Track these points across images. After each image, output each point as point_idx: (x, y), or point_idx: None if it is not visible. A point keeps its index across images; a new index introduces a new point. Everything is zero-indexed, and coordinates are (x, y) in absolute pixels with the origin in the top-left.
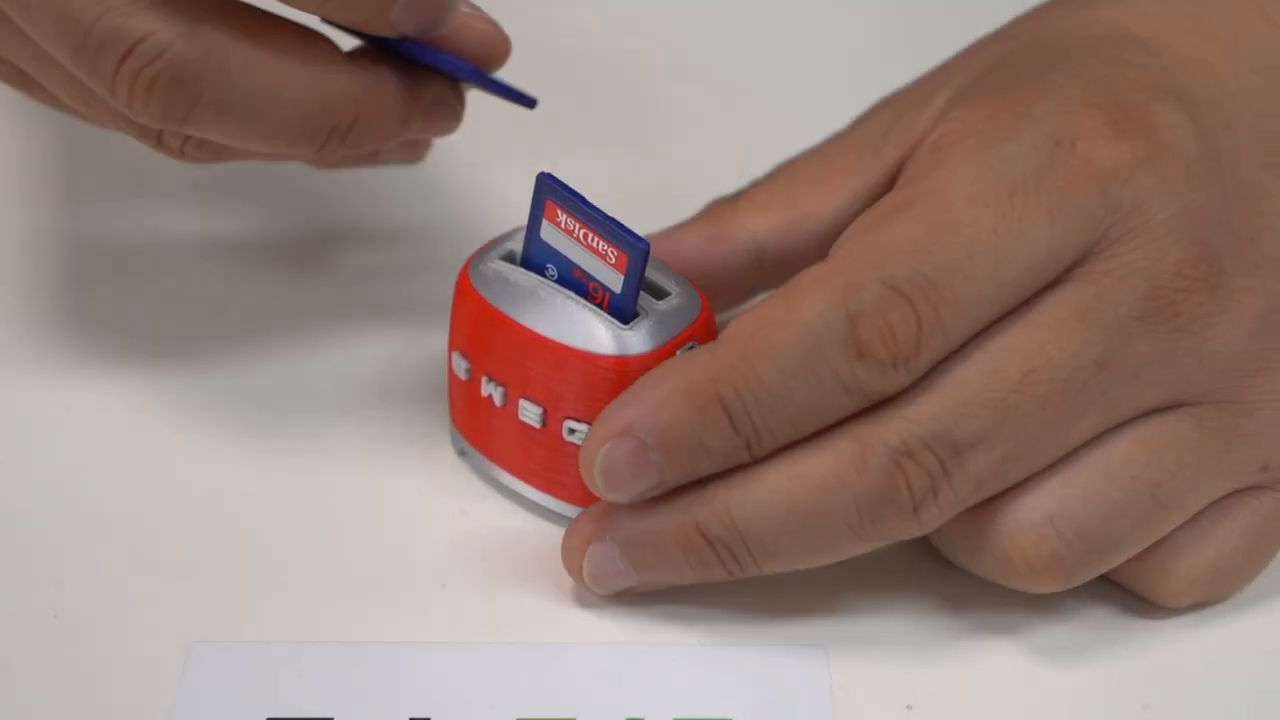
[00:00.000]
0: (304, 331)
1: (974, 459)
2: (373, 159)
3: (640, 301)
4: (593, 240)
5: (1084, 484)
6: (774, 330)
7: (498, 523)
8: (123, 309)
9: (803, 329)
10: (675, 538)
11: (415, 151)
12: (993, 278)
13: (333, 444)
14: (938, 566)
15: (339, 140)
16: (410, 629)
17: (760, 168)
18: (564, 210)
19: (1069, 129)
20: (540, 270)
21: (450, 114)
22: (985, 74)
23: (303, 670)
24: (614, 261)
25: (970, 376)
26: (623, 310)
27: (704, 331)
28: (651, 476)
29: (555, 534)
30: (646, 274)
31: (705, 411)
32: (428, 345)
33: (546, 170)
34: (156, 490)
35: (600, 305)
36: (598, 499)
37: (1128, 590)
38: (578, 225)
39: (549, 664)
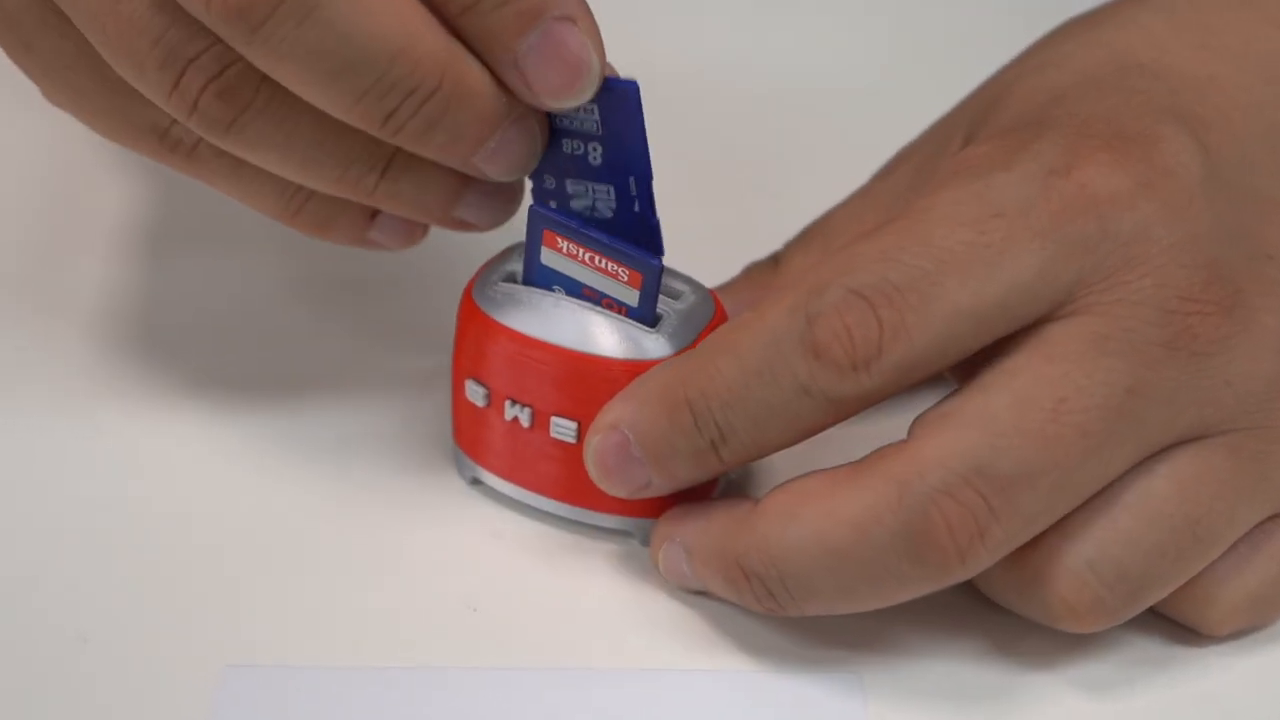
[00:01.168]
0: (329, 360)
1: (1020, 494)
2: (368, 235)
3: (660, 303)
4: (600, 262)
5: (1123, 526)
6: (739, 332)
7: (528, 545)
8: (141, 340)
9: (763, 329)
10: (719, 565)
11: (413, 233)
12: (963, 292)
13: (363, 467)
14: (976, 596)
15: (412, 110)
16: (441, 653)
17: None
18: (564, 238)
19: (1065, 159)
20: (546, 290)
21: (528, 139)
22: (994, 112)
23: (334, 695)
24: (626, 280)
25: (1000, 410)
26: (642, 318)
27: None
28: (639, 474)
29: (587, 556)
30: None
31: (673, 412)
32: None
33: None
34: (187, 516)
35: (616, 313)
36: (631, 507)
37: (1169, 619)
38: (581, 250)
39: (581, 689)
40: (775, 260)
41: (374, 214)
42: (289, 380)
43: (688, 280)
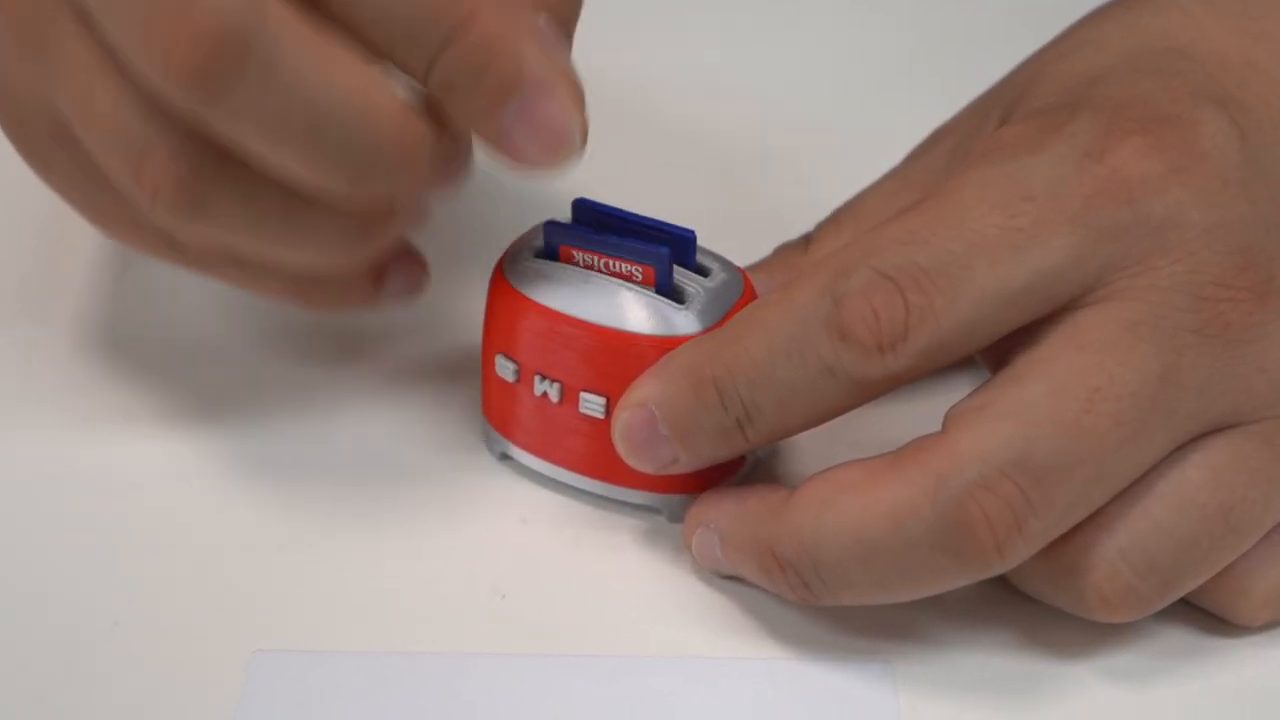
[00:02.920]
0: (359, 341)
1: (1057, 485)
2: (375, 293)
3: (686, 282)
4: (616, 266)
5: (1155, 515)
6: (767, 311)
7: (558, 532)
8: (172, 318)
9: (790, 309)
10: (753, 552)
11: (416, 279)
12: (992, 275)
13: (390, 454)
14: (1006, 586)
15: (379, 168)
16: (469, 640)
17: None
18: (578, 249)
19: (1099, 142)
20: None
21: (461, 165)
22: (1030, 93)
23: (363, 680)
24: (641, 279)
25: (1035, 399)
26: (671, 293)
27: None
28: (665, 451)
29: (614, 542)
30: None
31: (699, 390)
32: (453, 346)
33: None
34: (217, 502)
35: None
36: (659, 483)
37: (1202, 610)
38: (596, 258)
39: (610, 677)
40: (807, 240)
41: (379, 276)
42: (318, 363)
43: (719, 259)
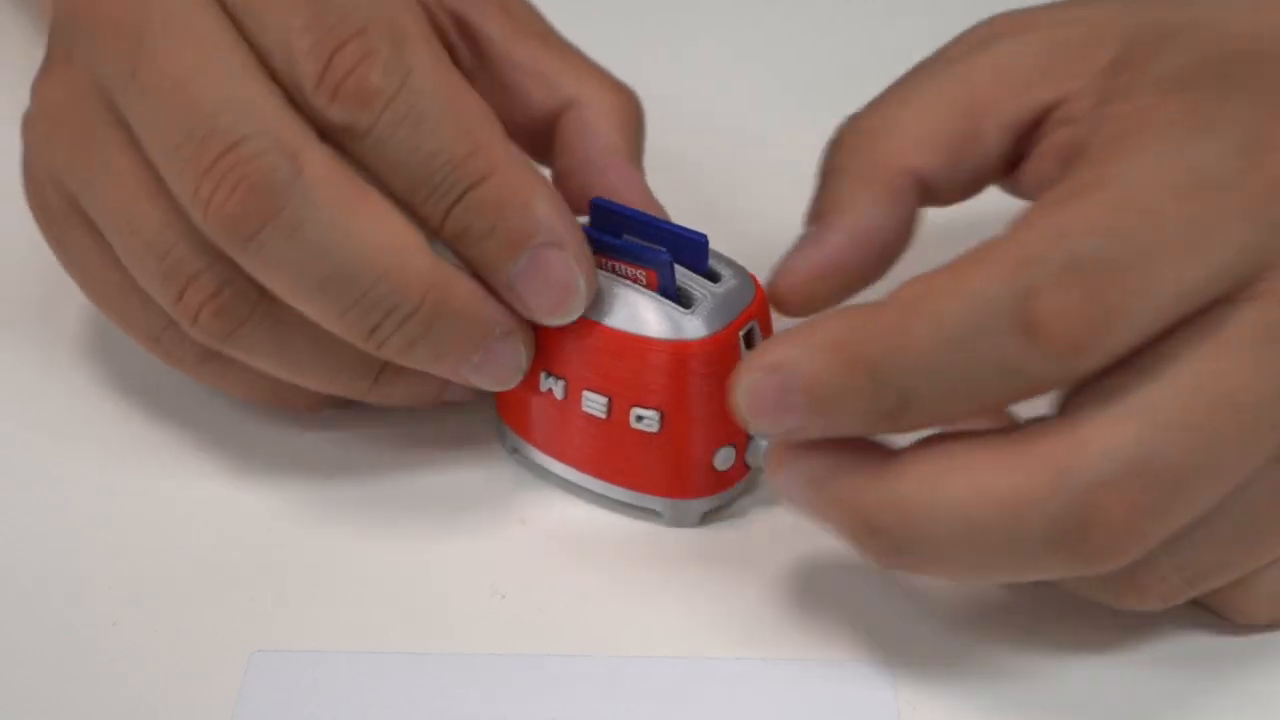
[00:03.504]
0: None
1: (1179, 491)
2: (434, 397)
3: (696, 286)
4: (620, 269)
5: (1225, 533)
6: (939, 298)
7: (557, 532)
8: None
9: (970, 298)
10: (845, 512)
11: (512, 363)
12: (1184, 272)
13: (390, 453)
14: (1006, 587)
15: (394, 326)
16: (469, 640)
17: None
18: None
19: (1263, 131)
20: None
21: (513, 356)
22: (1154, 52)
23: (362, 680)
24: (645, 282)
25: (1166, 398)
26: (677, 297)
27: (760, 311)
28: (793, 418)
29: (614, 543)
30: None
31: (850, 369)
32: None
33: None
34: (216, 498)
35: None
36: (660, 486)
37: (1206, 609)
38: (602, 260)
39: (609, 677)
40: (863, 133)
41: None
42: None
43: (731, 263)
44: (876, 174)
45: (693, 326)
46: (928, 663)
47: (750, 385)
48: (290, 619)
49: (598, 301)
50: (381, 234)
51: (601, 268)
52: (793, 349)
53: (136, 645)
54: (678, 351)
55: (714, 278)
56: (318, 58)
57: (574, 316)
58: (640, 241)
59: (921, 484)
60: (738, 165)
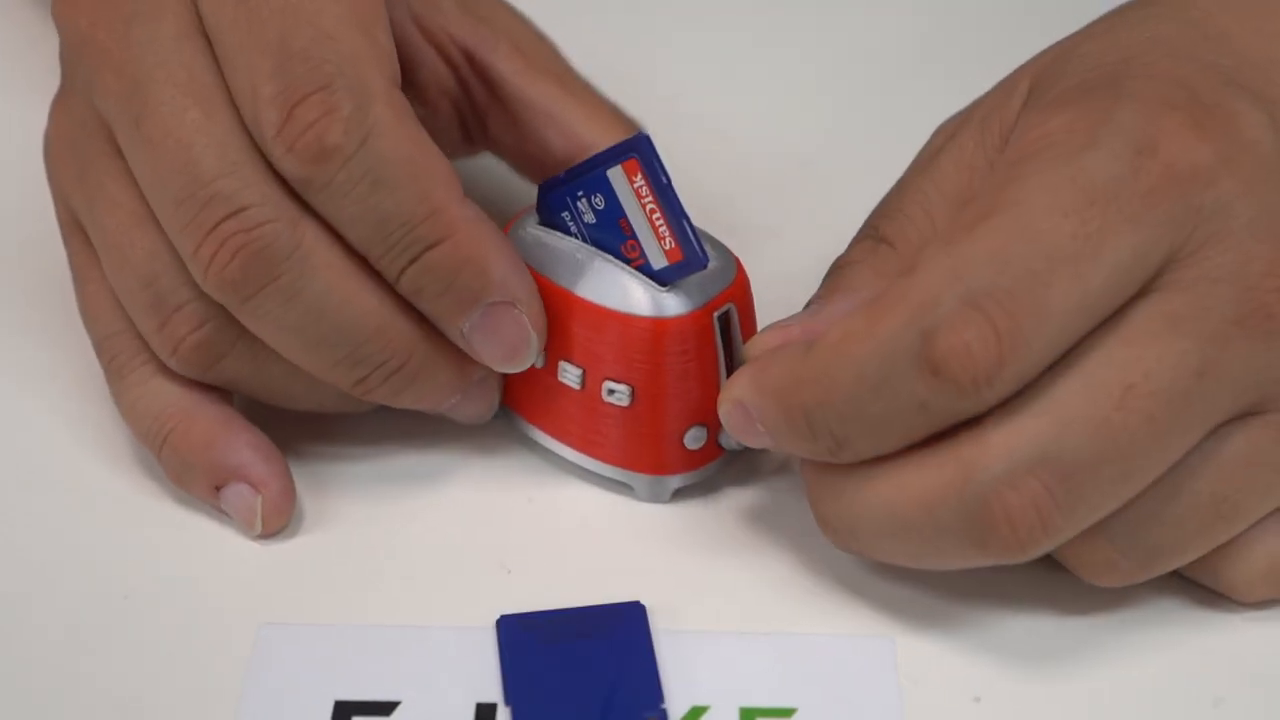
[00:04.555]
0: None
1: (1084, 483)
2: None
3: None
4: (657, 218)
5: (1148, 497)
6: (854, 344)
7: (563, 509)
8: None
9: (878, 344)
10: (809, 499)
11: (486, 404)
12: (1075, 286)
13: (396, 427)
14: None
15: (380, 379)
16: (475, 614)
17: None
18: (645, 176)
19: (1149, 134)
20: (573, 201)
21: (488, 397)
22: (1062, 69)
23: (369, 653)
24: (668, 248)
25: (1069, 396)
26: (660, 280)
27: (740, 295)
28: (763, 441)
29: (618, 522)
30: None
31: (790, 414)
32: None
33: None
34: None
35: (633, 263)
36: (631, 460)
37: (1199, 584)
38: (651, 197)
39: None
40: (876, 240)
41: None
42: None
43: (714, 242)
44: (888, 269)
45: (668, 304)
46: (930, 636)
47: (724, 413)
48: (298, 592)
49: (578, 272)
50: (371, 299)
51: (644, 204)
52: (748, 389)
53: (147, 617)
54: (650, 328)
55: None
56: (280, 108)
57: (526, 366)
58: (603, 151)
59: (858, 481)
60: (741, 164)
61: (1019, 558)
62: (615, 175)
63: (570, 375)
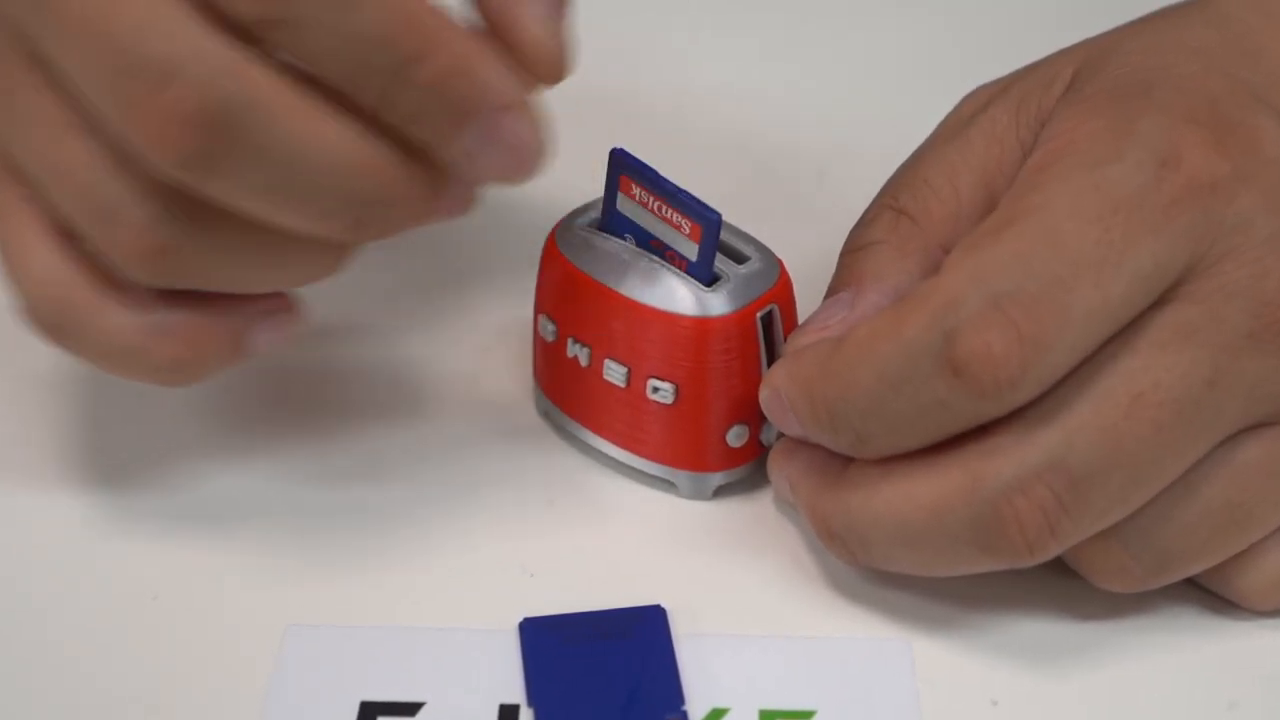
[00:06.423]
0: (395, 304)
1: (1092, 490)
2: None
3: (721, 265)
4: (666, 212)
5: (1162, 502)
6: (878, 341)
7: (585, 512)
8: None
9: (902, 343)
10: (813, 517)
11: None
12: (1097, 292)
13: (424, 424)
14: None
15: (379, 215)
16: (498, 616)
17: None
18: (637, 184)
19: (1172, 146)
20: (619, 238)
21: (468, 194)
22: (1104, 64)
23: (395, 654)
24: (688, 232)
25: (1079, 403)
26: (700, 275)
27: (783, 295)
28: (797, 430)
29: (639, 525)
30: (727, 239)
31: (814, 407)
32: (512, 311)
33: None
34: (253, 473)
35: (679, 269)
36: (674, 457)
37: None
38: (651, 198)
39: None
40: (898, 214)
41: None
42: (361, 334)
43: (759, 245)
44: (912, 248)
45: (713, 303)
46: (947, 640)
47: (764, 398)
48: (325, 593)
49: (624, 272)
50: (342, 133)
51: (650, 206)
52: (784, 376)
53: (176, 618)
54: (695, 327)
55: (740, 258)
56: None
57: (538, 171)
58: (696, 197)
59: (865, 492)
60: (764, 156)
61: (1027, 562)
62: (624, 204)
63: (615, 373)
